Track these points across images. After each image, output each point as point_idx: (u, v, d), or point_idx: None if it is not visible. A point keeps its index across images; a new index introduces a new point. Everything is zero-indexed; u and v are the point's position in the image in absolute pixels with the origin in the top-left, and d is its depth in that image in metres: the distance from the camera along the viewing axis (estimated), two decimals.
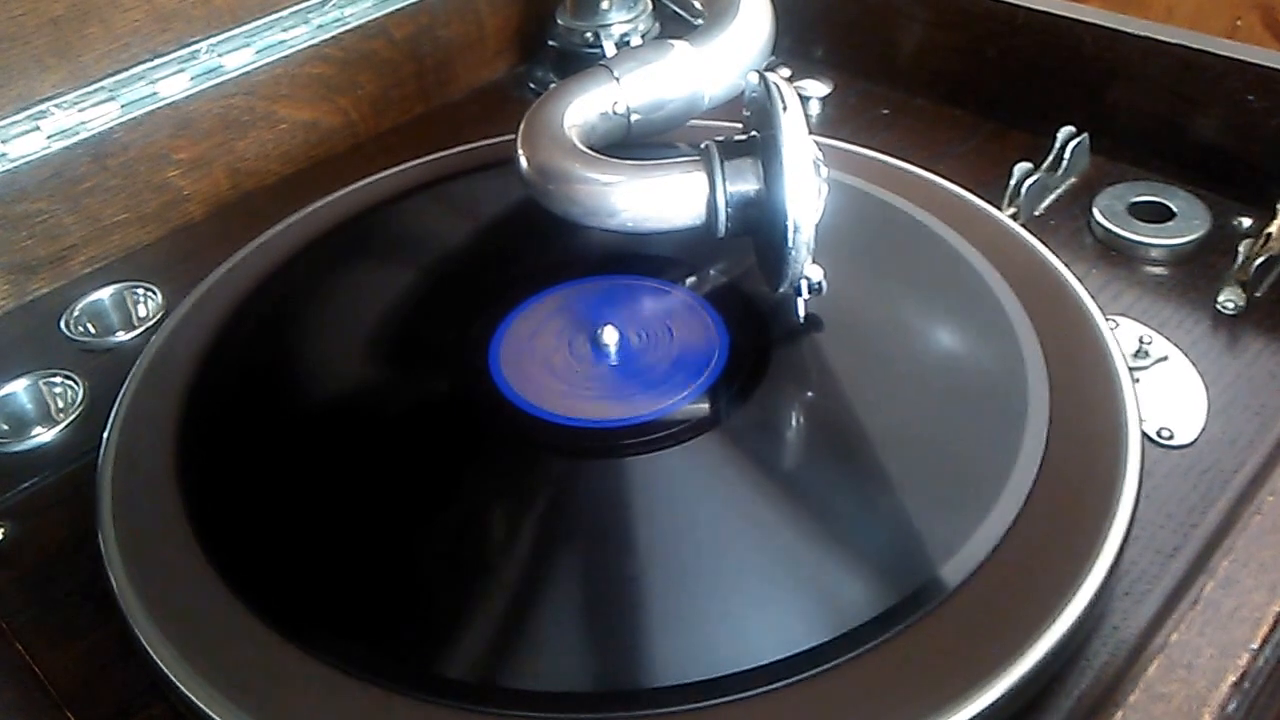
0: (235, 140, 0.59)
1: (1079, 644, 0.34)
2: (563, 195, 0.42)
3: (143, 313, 0.52)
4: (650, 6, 0.65)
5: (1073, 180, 0.54)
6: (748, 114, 0.43)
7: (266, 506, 0.38)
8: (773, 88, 0.39)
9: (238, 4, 0.57)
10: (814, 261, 0.40)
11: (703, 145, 0.41)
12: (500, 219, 0.51)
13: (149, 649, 0.33)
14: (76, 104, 0.53)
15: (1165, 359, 0.44)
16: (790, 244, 0.39)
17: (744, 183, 0.40)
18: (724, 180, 0.40)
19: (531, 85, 0.67)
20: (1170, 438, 0.41)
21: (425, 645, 0.33)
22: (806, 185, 0.38)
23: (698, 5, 0.55)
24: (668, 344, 0.43)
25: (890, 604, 0.32)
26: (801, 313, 0.43)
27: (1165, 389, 0.43)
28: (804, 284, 0.41)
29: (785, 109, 0.39)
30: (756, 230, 0.41)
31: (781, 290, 0.41)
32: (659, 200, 0.41)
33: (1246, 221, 0.50)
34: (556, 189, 0.43)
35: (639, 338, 0.43)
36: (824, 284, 0.41)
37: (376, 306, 0.47)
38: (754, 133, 0.42)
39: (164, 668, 0.33)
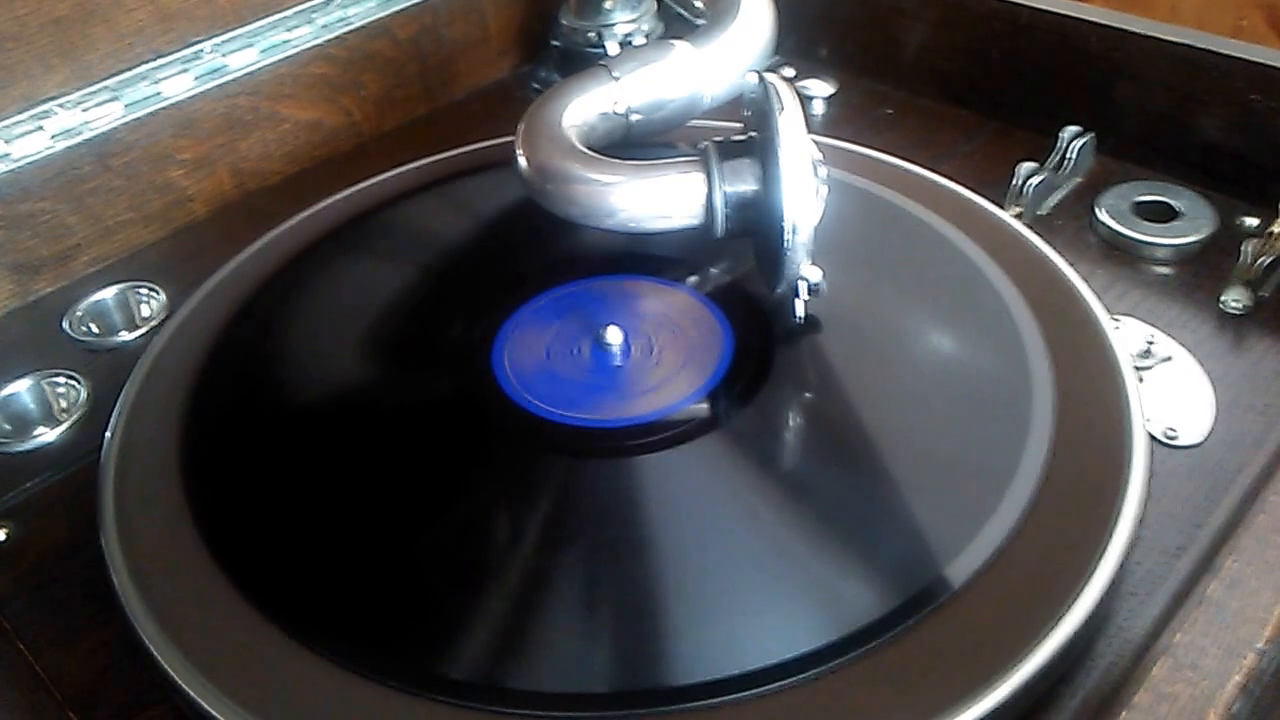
0: (239, 140, 0.59)
1: (1085, 644, 0.34)
2: (561, 195, 0.42)
3: (146, 313, 0.52)
4: (655, 6, 0.64)
5: (1077, 180, 0.54)
6: (747, 114, 0.43)
7: (270, 506, 0.38)
8: (771, 89, 0.39)
9: (241, 4, 0.57)
10: (813, 263, 0.40)
11: (701, 146, 0.41)
12: (504, 219, 0.51)
13: (152, 649, 0.33)
14: (80, 104, 0.53)
15: (1170, 359, 0.44)
16: (788, 245, 0.39)
17: (742, 183, 0.40)
18: (722, 181, 0.40)
19: (535, 85, 0.67)
20: (1175, 437, 0.41)
21: (429, 644, 0.33)
22: (804, 187, 0.38)
23: (699, 5, 0.55)
24: (672, 344, 0.43)
25: (896, 604, 0.32)
26: (800, 314, 0.42)
27: (1170, 389, 0.42)
28: (802, 285, 0.41)
29: (783, 110, 0.38)
30: (755, 231, 0.41)
31: (780, 291, 0.41)
32: (657, 200, 0.41)
33: (1252, 221, 0.50)
34: (555, 189, 0.42)
35: (643, 337, 0.43)
36: (823, 285, 0.41)
37: (380, 307, 0.47)
38: (753, 133, 0.42)
39: (167, 668, 0.33)
